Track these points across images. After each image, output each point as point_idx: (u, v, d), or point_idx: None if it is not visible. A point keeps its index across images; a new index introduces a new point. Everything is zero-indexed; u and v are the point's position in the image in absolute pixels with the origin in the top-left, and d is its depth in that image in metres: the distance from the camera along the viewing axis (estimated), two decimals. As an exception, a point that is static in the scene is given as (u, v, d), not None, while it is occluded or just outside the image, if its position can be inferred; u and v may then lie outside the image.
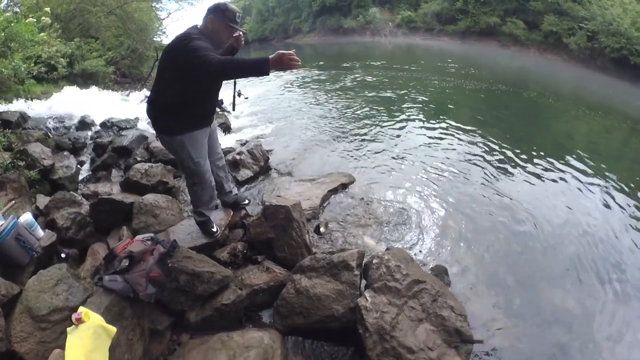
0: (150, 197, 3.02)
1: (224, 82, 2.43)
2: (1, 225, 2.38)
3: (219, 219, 2.83)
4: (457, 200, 3.70)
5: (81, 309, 1.80)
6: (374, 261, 2.22)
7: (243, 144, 4.88)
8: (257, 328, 2.18)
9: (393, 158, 4.65)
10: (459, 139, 5.55)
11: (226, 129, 5.86)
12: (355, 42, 31.83)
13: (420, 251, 2.96)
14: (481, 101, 9.16)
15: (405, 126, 6.13)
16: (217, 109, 2.65)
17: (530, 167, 4.77)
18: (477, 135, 5.79)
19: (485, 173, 4.42)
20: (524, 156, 5.10)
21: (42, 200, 3.25)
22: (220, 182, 2.82)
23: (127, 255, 1.94)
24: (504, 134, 6.01)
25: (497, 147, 5.29)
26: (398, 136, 5.59)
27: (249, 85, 10.54)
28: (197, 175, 2.41)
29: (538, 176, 4.55)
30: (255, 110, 7.50)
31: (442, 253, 2.95)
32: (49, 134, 4.79)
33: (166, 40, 12.52)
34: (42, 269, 2.21)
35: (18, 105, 5.14)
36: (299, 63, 1.75)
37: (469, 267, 2.83)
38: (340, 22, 37.83)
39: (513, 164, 4.83)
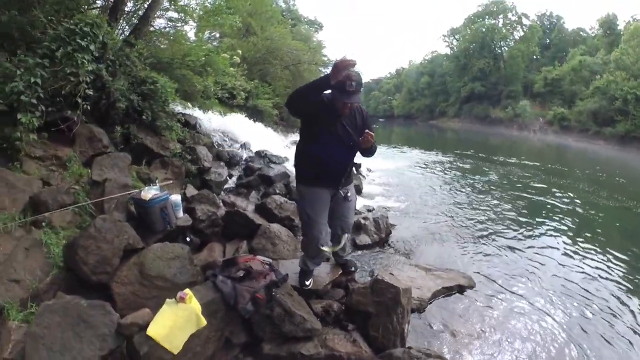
0: (275, 227, 3.30)
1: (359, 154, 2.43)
2: (156, 194, 2.98)
3: (325, 272, 2.80)
4: (591, 335, 2.80)
5: (187, 291, 1.98)
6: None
7: (370, 210, 4.97)
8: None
9: (524, 270, 3.89)
10: (609, 265, 4.30)
11: (357, 191, 6.08)
12: (501, 133, 29.76)
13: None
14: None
15: (546, 238, 5.13)
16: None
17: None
18: (629, 265, 4.41)
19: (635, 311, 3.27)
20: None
21: (191, 191, 3.94)
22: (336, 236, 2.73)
23: (245, 268, 2.10)
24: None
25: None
26: (534, 246, 4.70)
27: (382, 158, 10.57)
28: (306, 226, 2.44)
29: None
30: (389, 181, 7.54)
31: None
32: (214, 144, 5.85)
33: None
34: (169, 241, 2.59)
35: (199, 114, 6.39)
36: (352, 61, 1.83)
37: None
38: (488, 112, 36.37)
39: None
